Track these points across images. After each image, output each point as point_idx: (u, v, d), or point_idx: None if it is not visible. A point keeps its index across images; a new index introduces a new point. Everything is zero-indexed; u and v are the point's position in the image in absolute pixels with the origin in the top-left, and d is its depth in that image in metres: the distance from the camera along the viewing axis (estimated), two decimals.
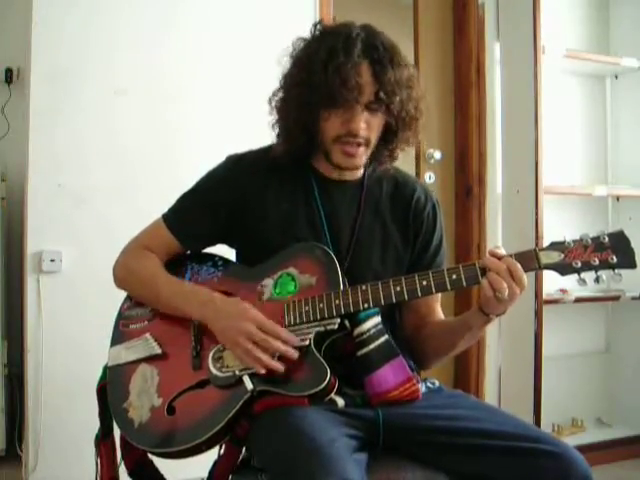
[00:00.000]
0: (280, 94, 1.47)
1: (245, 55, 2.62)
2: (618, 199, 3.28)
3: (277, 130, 1.48)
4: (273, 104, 1.48)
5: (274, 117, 1.48)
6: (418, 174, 3.11)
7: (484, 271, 1.27)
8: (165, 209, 1.55)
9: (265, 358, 1.28)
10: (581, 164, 3.30)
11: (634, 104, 3.27)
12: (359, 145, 1.40)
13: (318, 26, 1.46)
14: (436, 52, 3.20)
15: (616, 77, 3.34)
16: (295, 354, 1.29)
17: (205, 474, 1.39)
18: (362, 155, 1.42)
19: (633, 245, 1.25)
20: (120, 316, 1.51)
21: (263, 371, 1.28)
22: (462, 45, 3.19)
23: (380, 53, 1.38)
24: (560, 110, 3.18)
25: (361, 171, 1.52)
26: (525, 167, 2.89)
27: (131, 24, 2.53)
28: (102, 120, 2.49)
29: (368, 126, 1.40)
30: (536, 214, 2.83)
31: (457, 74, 3.22)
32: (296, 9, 2.69)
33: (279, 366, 1.28)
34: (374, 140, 1.43)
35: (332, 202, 1.48)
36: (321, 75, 1.36)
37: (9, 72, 2.90)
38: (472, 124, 3.16)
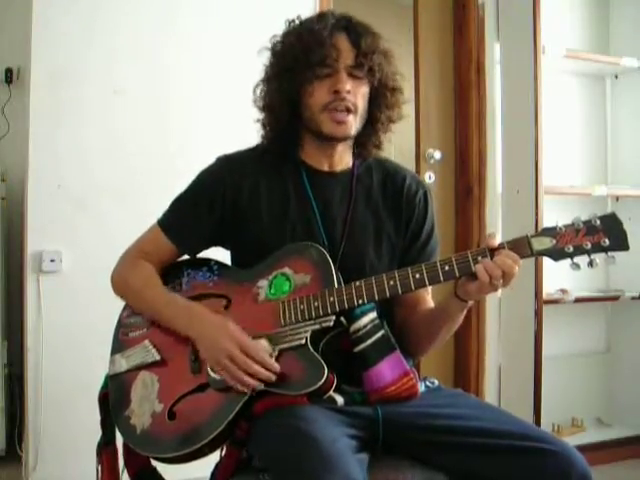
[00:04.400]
0: (262, 84, 1.50)
1: (245, 55, 2.61)
2: (618, 199, 3.27)
3: (262, 120, 1.51)
4: (258, 96, 1.51)
5: (259, 108, 1.51)
6: (418, 174, 3.11)
7: (477, 260, 1.27)
8: (165, 209, 1.55)
9: (246, 379, 1.28)
10: (581, 164, 3.30)
11: (634, 104, 3.27)
12: (348, 111, 1.41)
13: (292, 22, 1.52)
14: (436, 52, 3.20)
15: (616, 77, 3.34)
16: (272, 378, 1.28)
17: (207, 475, 1.39)
18: (352, 123, 1.43)
19: (631, 243, 1.25)
20: (120, 325, 1.51)
21: (245, 390, 1.29)
22: (462, 45, 3.19)
23: (354, 23, 1.44)
24: (560, 110, 3.18)
25: (350, 162, 1.53)
26: (525, 167, 2.89)
27: (131, 24, 2.53)
28: (102, 120, 2.49)
29: (354, 93, 1.42)
30: (536, 214, 2.82)
31: (457, 74, 3.22)
32: (296, 9, 2.68)
33: (258, 384, 1.28)
34: (361, 109, 1.44)
35: (324, 194, 1.48)
36: (298, 46, 1.41)
37: (9, 72, 2.91)
38: (472, 124, 3.16)
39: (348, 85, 1.40)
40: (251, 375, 1.28)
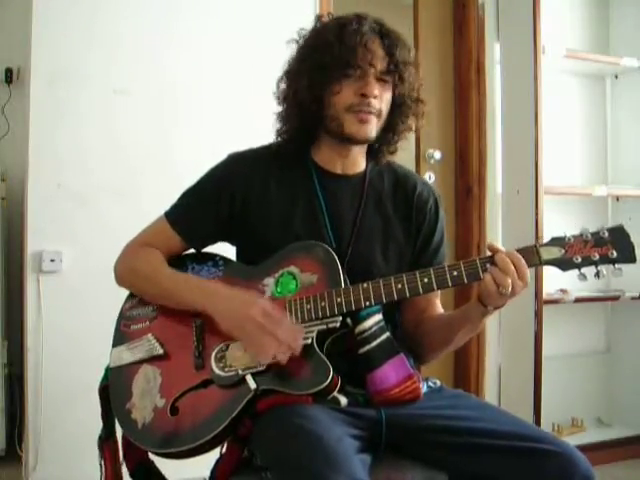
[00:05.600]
0: (287, 77, 1.49)
1: (246, 55, 2.62)
2: (618, 199, 3.28)
3: (282, 113, 1.50)
4: (280, 88, 1.50)
5: (280, 101, 1.50)
6: (418, 174, 3.10)
7: (485, 267, 1.28)
8: (165, 209, 1.55)
9: (275, 347, 1.27)
10: (581, 164, 3.30)
11: (634, 104, 3.27)
12: (371, 114, 1.41)
13: (323, 18, 1.52)
14: (436, 52, 3.20)
15: (616, 77, 3.34)
16: (298, 349, 1.28)
17: (207, 474, 1.39)
18: (374, 125, 1.43)
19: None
20: (121, 317, 1.50)
21: (269, 360, 1.27)
22: (462, 45, 3.20)
23: (389, 31, 1.44)
24: (560, 110, 3.18)
25: (363, 166, 1.53)
26: (525, 167, 2.89)
27: (132, 24, 2.53)
28: (102, 120, 2.49)
29: (380, 98, 1.42)
30: (536, 214, 2.83)
31: (457, 74, 3.22)
32: (296, 8, 2.69)
33: (285, 358, 1.27)
34: (385, 114, 1.44)
35: (334, 196, 1.48)
36: (335, 42, 1.40)
37: (9, 72, 2.91)
38: (472, 124, 3.16)
39: (376, 90, 1.41)
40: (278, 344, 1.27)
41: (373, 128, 1.43)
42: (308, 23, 1.51)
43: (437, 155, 3.17)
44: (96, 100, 2.48)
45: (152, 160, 2.53)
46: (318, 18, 1.51)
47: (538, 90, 2.84)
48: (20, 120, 2.61)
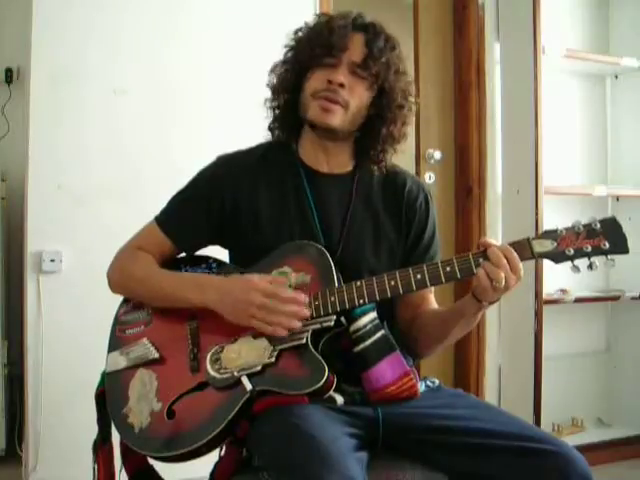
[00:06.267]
0: (274, 68, 1.51)
1: (246, 55, 2.62)
2: (618, 199, 3.28)
3: (271, 102, 1.51)
4: (270, 79, 1.51)
5: (269, 89, 1.52)
6: (418, 174, 3.11)
7: (478, 262, 1.28)
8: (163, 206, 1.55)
9: (284, 320, 1.29)
10: (581, 164, 3.30)
11: (634, 104, 3.27)
12: (336, 103, 1.41)
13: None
14: (436, 52, 3.20)
15: (616, 77, 3.34)
16: (307, 313, 1.30)
17: (206, 474, 1.39)
18: (338, 114, 1.41)
19: (631, 243, 1.26)
20: (116, 322, 1.50)
21: (285, 333, 1.29)
22: (462, 45, 3.19)
23: (375, 30, 1.44)
24: (560, 110, 3.18)
25: (351, 165, 1.52)
26: (525, 167, 2.89)
27: (132, 23, 2.53)
28: (102, 120, 2.49)
29: (350, 89, 1.41)
30: (536, 214, 2.83)
31: (457, 74, 3.22)
32: (296, 8, 2.69)
33: (298, 324, 1.29)
34: (353, 108, 1.42)
35: (323, 195, 1.48)
36: (315, 33, 1.44)
37: (9, 72, 2.91)
38: (472, 124, 3.16)
39: (342, 77, 1.40)
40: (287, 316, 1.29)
41: (336, 117, 1.41)
42: None
43: (437, 155, 3.17)
44: (96, 100, 2.48)
45: (152, 160, 2.53)
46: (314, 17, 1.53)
47: (538, 90, 2.84)
48: (20, 120, 2.62)
